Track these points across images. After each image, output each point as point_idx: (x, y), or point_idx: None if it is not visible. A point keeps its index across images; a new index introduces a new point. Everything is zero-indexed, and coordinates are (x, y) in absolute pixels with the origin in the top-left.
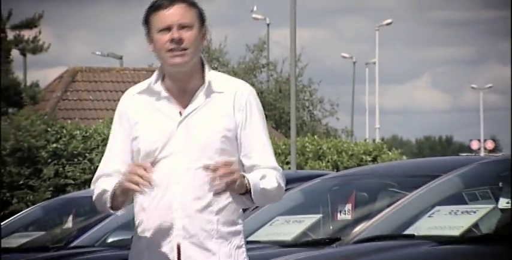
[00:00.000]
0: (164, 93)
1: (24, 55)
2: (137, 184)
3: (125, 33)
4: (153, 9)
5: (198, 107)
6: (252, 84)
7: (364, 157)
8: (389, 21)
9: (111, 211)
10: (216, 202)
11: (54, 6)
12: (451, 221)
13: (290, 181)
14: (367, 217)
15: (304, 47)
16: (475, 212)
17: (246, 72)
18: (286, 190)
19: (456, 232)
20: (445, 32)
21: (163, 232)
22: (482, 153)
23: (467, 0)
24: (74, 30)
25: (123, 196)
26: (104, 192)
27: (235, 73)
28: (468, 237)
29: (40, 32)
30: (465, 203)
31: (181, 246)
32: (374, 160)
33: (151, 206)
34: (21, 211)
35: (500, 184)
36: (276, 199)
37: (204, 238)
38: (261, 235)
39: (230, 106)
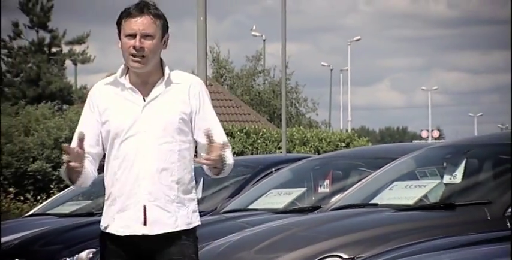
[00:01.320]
0: (129, 85)
1: (75, 64)
2: (79, 164)
3: None
4: (125, 15)
5: (159, 94)
6: (252, 86)
7: (339, 143)
8: (358, 37)
9: (72, 185)
10: (176, 172)
11: (99, 26)
12: (406, 193)
13: (281, 162)
14: (342, 190)
15: (291, 57)
16: (425, 186)
17: (247, 77)
18: (278, 169)
19: (410, 202)
20: (401, 46)
21: (131, 197)
22: (430, 140)
23: (419, 21)
24: (113, 45)
25: (73, 173)
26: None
27: (238, 78)
28: (419, 205)
29: (88, 47)
30: (417, 179)
31: (147, 208)
32: (347, 146)
33: (122, 177)
34: None
35: (444, 164)
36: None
37: (166, 202)
38: (259, 204)
39: (186, 94)
